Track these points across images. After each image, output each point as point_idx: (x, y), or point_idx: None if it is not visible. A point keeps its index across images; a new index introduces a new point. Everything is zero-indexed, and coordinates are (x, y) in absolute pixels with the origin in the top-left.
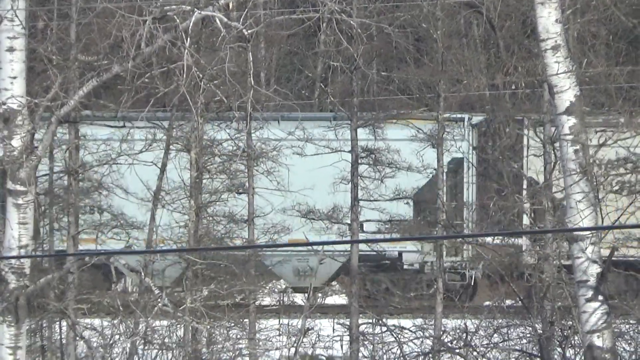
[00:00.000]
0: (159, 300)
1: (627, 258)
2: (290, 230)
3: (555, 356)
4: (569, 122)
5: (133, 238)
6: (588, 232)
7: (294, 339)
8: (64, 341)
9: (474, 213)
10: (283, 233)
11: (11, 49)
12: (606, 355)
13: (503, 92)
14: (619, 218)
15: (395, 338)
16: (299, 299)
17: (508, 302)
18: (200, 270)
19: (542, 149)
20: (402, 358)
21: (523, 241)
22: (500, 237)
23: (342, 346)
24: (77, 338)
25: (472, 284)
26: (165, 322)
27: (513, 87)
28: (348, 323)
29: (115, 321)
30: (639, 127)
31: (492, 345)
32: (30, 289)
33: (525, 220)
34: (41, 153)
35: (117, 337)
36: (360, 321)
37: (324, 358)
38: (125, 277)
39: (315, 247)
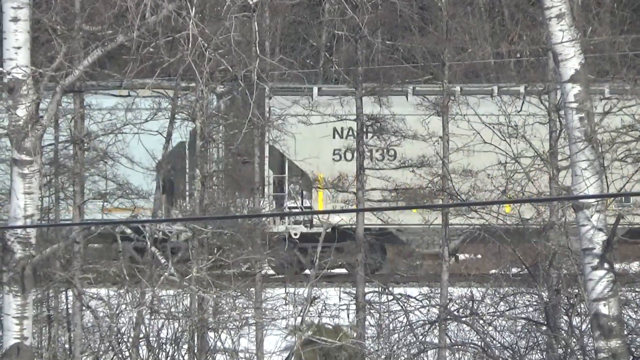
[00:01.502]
0: (165, 269)
1: (633, 226)
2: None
3: (562, 324)
4: (573, 90)
5: (139, 207)
6: (593, 200)
7: (300, 308)
8: (70, 311)
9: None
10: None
11: (15, 19)
12: (612, 323)
13: (508, 60)
14: (624, 186)
15: (401, 307)
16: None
17: (514, 270)
18: (206, 240)
19: (547, 116)
20: (408, 327)
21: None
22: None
23: (348, 315)
24: (84, 308)
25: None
26: (171, 292)
27: (518, 55)
28: (354, 292)
29: (121, 291)
30: None
31: (498, 313)
32: (36, 258)
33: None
34: (46, 122)
35: (123, 306)
36: (366, 290)
37: (331, 327)
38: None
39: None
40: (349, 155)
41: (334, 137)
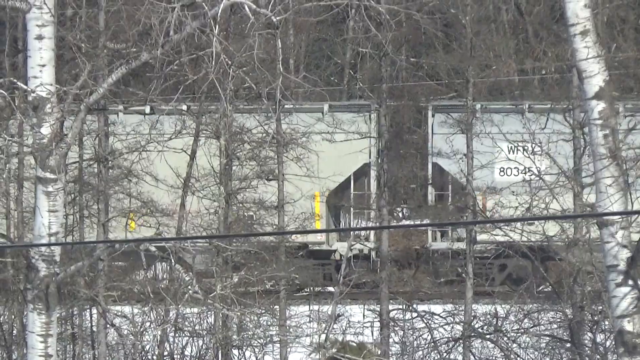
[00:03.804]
0: (190, 287)
1: None
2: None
3: (586, 341)
4: (598, 107)
5: (163, 225)
6: (618, 217)
7: (324, 325)
8: (94, 329)
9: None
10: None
11: (40, 37)
12: (637, 340)
13: (532, 77)
14: None
15: (425, 324)
16: (330, 285)
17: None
18: (231, 257)
19: (571, 133)
20: (432, 344)
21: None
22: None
23: (372, 332)
24: (108, 326)
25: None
26: (195, 309)
27: (542, 72)
28: (378, 309)
29: (145, 308)
30: None
31: (522, 330)
32: (61, 276)
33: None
34: (71, 140)
35: (147, 324)
36: (390, 307)
37: (355, 344)
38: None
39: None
40: None
41: None
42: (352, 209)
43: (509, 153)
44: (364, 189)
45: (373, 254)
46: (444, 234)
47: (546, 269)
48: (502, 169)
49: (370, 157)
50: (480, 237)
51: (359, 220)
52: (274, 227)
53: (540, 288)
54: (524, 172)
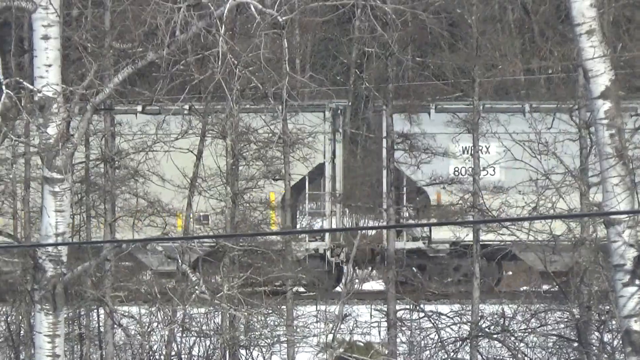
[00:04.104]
0: (197, 287)
1: None
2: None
3: (593, 340)
4: (604, 106)
5: (170, 225)
6: (625, 216)
7: (331, 325)
8: (101, 329)
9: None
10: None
11: (46, 37)
12: None
13: (538, 76)
14: None
15: (432, 324)
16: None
17: (545, 286)
18: (237, 257)
19: (577, 133)
20: (440, 343)
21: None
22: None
23: (379, 332)
24: (115, 326)
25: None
26: (202, 310)
27: (548, 71)
28: (385, 309)
29: (152, 309)
30: None
31: (529, 330)
32: (68, 276)
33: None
34: (77, 141)
35: (155, 324)
36: (397, 307)
37: (362, 344)
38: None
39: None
40: None
41: None
42: (307, 209)
43: (463, 154)
44: (319, 189)
45: (328, 253)
46: (400, 233)
47: (501, 269)
48: (456, 169)
49: (324, 157)
50: (438, 236)
51: (320, 221)
52: (281, 227)
53: (548, 288)
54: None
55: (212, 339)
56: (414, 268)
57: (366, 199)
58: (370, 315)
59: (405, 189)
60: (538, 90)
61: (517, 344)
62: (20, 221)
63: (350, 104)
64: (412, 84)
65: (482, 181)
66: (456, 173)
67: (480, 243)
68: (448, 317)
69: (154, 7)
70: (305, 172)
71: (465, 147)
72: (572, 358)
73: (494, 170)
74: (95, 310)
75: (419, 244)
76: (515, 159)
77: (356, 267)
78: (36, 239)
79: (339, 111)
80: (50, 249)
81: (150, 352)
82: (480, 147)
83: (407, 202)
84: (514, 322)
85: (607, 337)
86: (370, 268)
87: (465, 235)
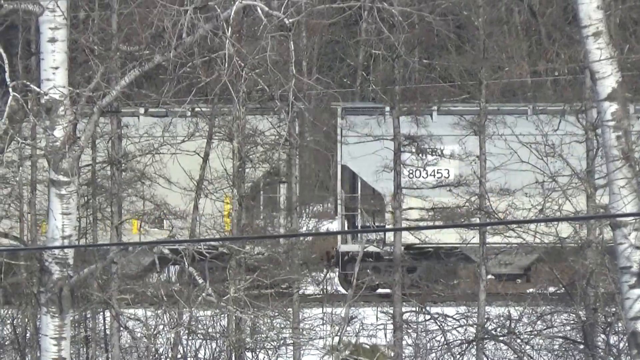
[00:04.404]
0: (203, 289)
1: None
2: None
3: (599, 343)
4: (610, 109)
5: (176, 228)
6: (631, 218)
7: (337, 327)
8: (108, 332)
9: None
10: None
11: (53, 40)
12: None
13: (545, 78)
14: None
15: (438, 326)
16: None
17: (551, 288)
18: (244, 260)
19: (584, 135)
20: (446, 346)
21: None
22: None
23: (385, 334)
24: (121, 328)
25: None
26: (209, 312)
27: (555, 74)
28: (391, 311)
29: (159, 311)
30: None
31: (535, 332)
32: (74, 279)
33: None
34: (84, 143)
35: (161, 327)
36: (403, 309)
37: (368, 346)
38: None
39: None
40: None
41: None
42: (261, 211)
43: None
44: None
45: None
46: (355, 236)
47: (456, 271)
48: (410, 172)
49: (279, 160)
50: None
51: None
52: (287, 229)
53: (554, 290)
54: (432, 174)
55: (218, 341)
56: (368, 270)
57: (321, 201)
58: (377, 318)
59: (359, 191)
60: (545, 92)
61: (523, 346)
62: (26, 224)
63: (308, 106)
64: (419, 86)
65: (436, 183)
66: (410, 176)
67: (436, 245)
68: (454, 319)
69: (161, 9)
70: (260, 174)
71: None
72: None
73: (448, 172)
74: (102, 313)
75: (374, 247)
76: (522, 161)
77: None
78: (42, 242)
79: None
80: (56, 251)
81: (157, 355)
82: (435, 150)
83: (361, 204)
84: (520, 324)
85: (613, 340)
86: (326, 270)
87: (472, 237)
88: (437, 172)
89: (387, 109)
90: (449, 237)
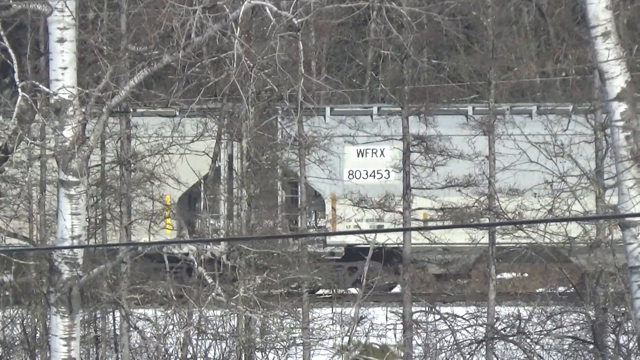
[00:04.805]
0: (212, 289)
1: None
2: (341, 218)
3: (609, 343)
4: (619, 109)
5: (185, 227)
6: None
7: (347, 327)
8: (117, 332)
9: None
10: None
11: (62, 40)
12: None
13: (553, 79)
14: None
15: (448, 326)
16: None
17: (561, 288)
18: (253, 260)
19: (593, 135)
20: (455, 346)
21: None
22: None
23: (395, 334)
24: (131, 328)
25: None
26: (218, 312)
27: (563, 74)
28: (401, 311)
29: (168, 311)
30: None
31: (545, 332)
32: (84, 279)
33: None
34: (93, 143)
35: (170, 327)
36: (413, 309)
37: (378, 346)
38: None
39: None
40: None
41: None
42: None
43: (358, 157)
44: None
45: (224, 257)
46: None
47: (398, 271)
48: (350, 172)
49: (220, 162)
50: (332, 239)
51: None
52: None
53: (564, 290)
54: (372, 175)
55: (227, 341)
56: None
57: (265, 202)
58: (386, 318)
59: (300, 193)
60: (554, 92)
61: (532, 346)
62: (36, 224)
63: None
64: (428, 86)
65: (378, 184)
66: (350, 177)
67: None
68: (464, 319)
69: (170, 9)
70: (201, 175)
71: (360, 150)
72: None
73: (388, 173)
74: (111, 313)
75: (315, 248)
76: (531, 161)
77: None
78: (52, 242)
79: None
80: (66, 251)
81: (166, 355)
82: (375, 150)
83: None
84: (530, 324)
85: (622, 339)
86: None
87: (481, 237)
88: (378, 173)
89: (328, 111)
90: (458, 237)
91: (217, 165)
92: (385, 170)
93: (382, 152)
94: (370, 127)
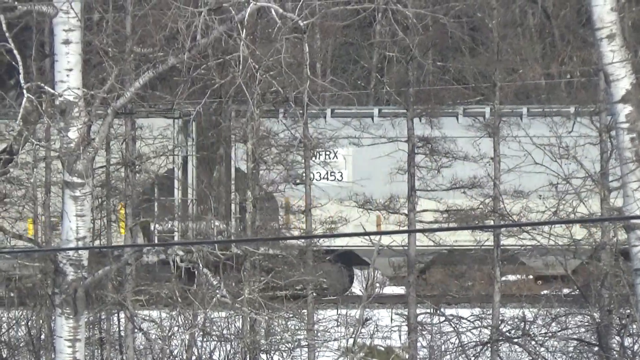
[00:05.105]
0: (217, 291)
1: None
2: (347, 220)
3: (614, 345)
4: (624, 111)
5: (190, 229)
6: None
7: (352, 329)
8: (122, 333)
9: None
10: (340, 223)
11: (67, 42)
12: None
13: (558, 81)
14: None
15: (453, 328)
16: (357, 289)
17: (565, 290)
18: (258, 261)
19: (598, 137)
20: (460, 348)
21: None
22: None
23: (400, 336)
24: (136, 330)
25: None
26: (223, 314)
27: (568, 76)
28: (406, 313)
29: (173, 313)
30: None
31: (550, 334)
32: (88, 280)
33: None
34: (98, 145)
35: (175, 329)
36: (418, 311)
37: (383, 348)
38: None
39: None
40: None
41: None
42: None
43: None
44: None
45: (177, 259)
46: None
47: (352, 274)
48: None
49: (174, 163)
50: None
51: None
52: (301, 231)
53: (569, 292)
54: (325, 177)
55: (232, 343)
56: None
57: (216, 204)
58: (391, 319)
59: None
60: (559, 94)
61: (537, 348)
62: (40, 225)
63: (212, 109)
64: (433, 88)
65: (327, 186)
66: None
67: (328, 248)
68: (469, 321)
69: (175, 11)
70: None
71: (313, 153)
72: None
73: (341, 175)
74: (116, 315)
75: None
76: (536, 163)
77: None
78: (57, 244)
79: (190, 116)
80: (71, 253)
81: (171, 357)
82: (328, 153)
83: (254, 207)
84: (535, 326)
85: (627, 342)
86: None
87: (486, 239)
88: (331, 175)
89: (281, 112)
90: (463, 238)
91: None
92: (339, 172)
93: (335, 154)
94: (375, 129)
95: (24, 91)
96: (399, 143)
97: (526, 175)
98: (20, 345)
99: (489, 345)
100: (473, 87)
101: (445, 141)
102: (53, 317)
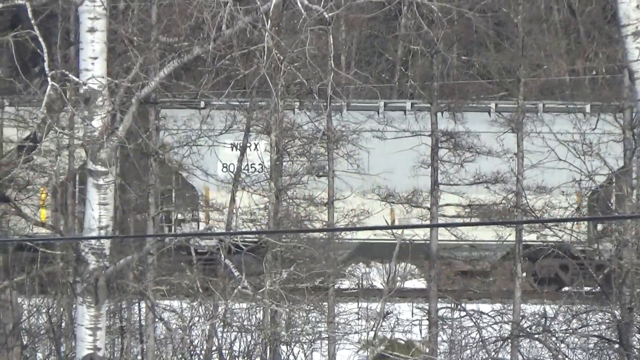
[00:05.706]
0: (239, 282)
1: None
2: (369, 213)
3: (634, 342)
4: None
5: (213, 220)
6: None
7: (373, 322)
8: (143, 323)
9: None
10: (363, 216)
11: (92, 30)
12: None
13: (583, 77)
14: None
15: (474, 323)
16: (378, 282)
17: (587, 288)
18: (280, 253)
19: (621, 134)
20: (481, 343)
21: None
22: None
23: (420, 330)
24: (156, 320)
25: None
26: (244, 305)
27: (593, 72)
28: (427, 307)
29: (194, 303)
30: None
31: (570, 330)
32: (110, 270)
33: None
34: (122, 134)
35: (196, 319)
36: (439, 305)
37: (403, 342)
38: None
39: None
40: None
41: None
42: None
43: (232, 150)
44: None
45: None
46: None
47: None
48: (225, 165)
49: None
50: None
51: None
52: (324, 223)
53: (590, 289)
54: (246, 168)
55: (253, 334)
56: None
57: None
58: (412, 313)
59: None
60: (583, 91)
61: (558, 344)
62: (63, 214)
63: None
64: (457, 82)
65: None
66: (224, 170)
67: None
68: (489, 316)
69: (201, 1)
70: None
71: (234, 144)
72: (613, 359)
73: (262, 167)
74: (137, 304)
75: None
76: (559, 159)
77: None
78: (79, 232)
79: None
80: (93, 241)
81: (191, 347)
82: (248, 145)
83: (176, 199)
84: (556, 322)
85: None
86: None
87: (508, 235)
88: (252, 167)
89: (202, 105)
90: (485, 234)
91: None
92: (259, 164)
93: (256, 146)
94: (399, 122)
95: (49, 79)
96: (422, 137)
97: (549, 171)
98: (41, 332)
99: (509, 340)
100: (497, 82)
101: (468, 136)
102: (74, 306)
